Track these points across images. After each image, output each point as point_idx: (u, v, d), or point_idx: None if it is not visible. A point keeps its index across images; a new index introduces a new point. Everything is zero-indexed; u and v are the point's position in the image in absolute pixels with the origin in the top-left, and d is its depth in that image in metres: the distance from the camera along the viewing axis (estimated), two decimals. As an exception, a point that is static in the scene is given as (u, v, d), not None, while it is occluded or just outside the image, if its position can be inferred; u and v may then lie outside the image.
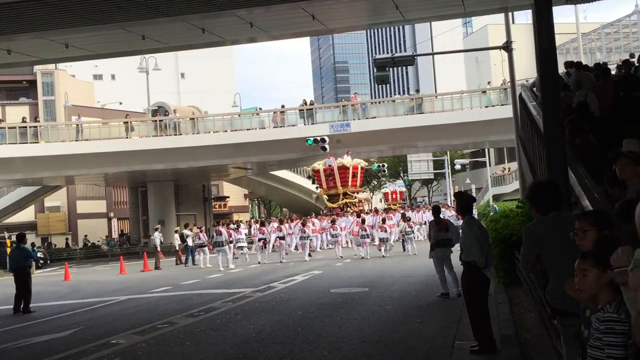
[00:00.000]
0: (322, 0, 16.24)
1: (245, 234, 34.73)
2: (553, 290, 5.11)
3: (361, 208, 42.16)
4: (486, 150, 62.73)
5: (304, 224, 29.71)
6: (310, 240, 30.12)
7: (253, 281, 19.48)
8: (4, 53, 18.49)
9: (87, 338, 11.07)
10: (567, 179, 7.30)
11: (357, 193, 43.90)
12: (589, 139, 7.74)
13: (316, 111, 42.06)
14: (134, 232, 53.45)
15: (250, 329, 10.93)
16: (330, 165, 40.85)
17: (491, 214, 28.64)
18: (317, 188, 43.93)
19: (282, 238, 28.52)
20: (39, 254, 40.34)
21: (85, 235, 56.53)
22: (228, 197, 70.70)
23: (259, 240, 28.70)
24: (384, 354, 8.73)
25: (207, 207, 55.82)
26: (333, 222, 30.86)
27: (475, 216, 10.99)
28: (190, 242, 30.40)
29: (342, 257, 27.07)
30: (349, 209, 40.04)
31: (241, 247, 28.96)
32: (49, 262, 41.08)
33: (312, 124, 40.79)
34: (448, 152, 63.51)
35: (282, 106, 43.87)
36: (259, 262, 26.75)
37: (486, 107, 38.52)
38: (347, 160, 40.96)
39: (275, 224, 31.05)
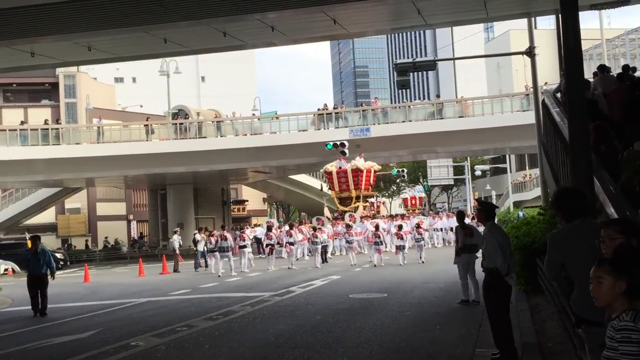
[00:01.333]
0: (344, 4, 16.19)
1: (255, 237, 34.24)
2: (578, 298, 5.03)
3: (373, 212, 41.25)
4: (507, 156, 62.37)
5: (315, 229, 28.72)
6: (326, 246, 29.39)
7: (271, 285, 19.46)
8: (27, 55, 18.66)
9: (107, 340, 11.11)
10: (592, 186, 7.21)
11: (372, 197, 42.91)
12: (614, 145, 7.65)
13: (336, 115, 42.05)
14: (153, 234, 53.72)
15: (269, 333, 10.91)
16: (342, 167, 39.79)
17: (514, 221, 28.28)
18: (329, 189, 42.64)
19: (292, 244, 27.67)
20: (57, 254, 40.81)
21: (106, 237, 56.93)
22: (247, 200, 70.84)
23: (267, 245, 27.71)
24: (403, 360, 8.67)
25: (225, 211, 55.95)
26: (348, 227, 29.96)
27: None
28: (200, 246, 29.89)
29: (354, 264, 25.96)
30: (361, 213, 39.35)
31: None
32: (68, 263, 41.36)
33: (335, 128, 40.82)
34: (468, 157, 63.21)
35: (325, 105, 44.43)
36: (268, 269, 25.74)
37: (523, 111, 37.33)
38: (360, 162, 39.98)
39: (286, 229, 29.76)
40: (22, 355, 10.54)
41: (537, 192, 40.17)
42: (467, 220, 31.13)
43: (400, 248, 25.60)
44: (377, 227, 27.76)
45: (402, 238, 26.02)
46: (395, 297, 15.07)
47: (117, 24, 15.85)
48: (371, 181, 41.73)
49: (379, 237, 26.22)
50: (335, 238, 33.07)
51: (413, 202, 61.83)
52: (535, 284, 11.96)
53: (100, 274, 31.81)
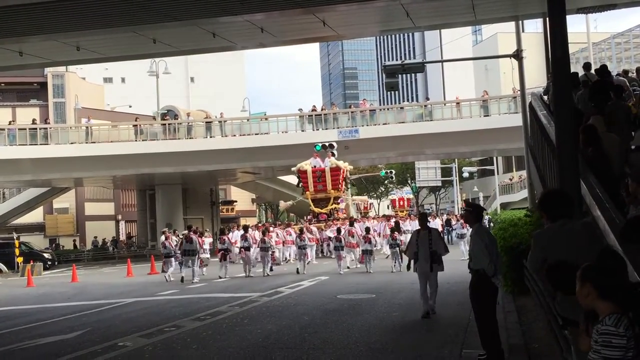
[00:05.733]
0: (333, 6, 16.24)
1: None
2: (562, 300, 5.07)
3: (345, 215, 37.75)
4: (494, 158, 62.64)
5: (264, 233, 25.15)
6: (273, 252, 25.78)
7: (260, 286, 19.48)
8: (15, 55, 18.58)
9: (94, 340, 11.09)
10: (579, 189, 7.28)
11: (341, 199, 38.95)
12: (601, 148, 7.73)
13: (325, 117, 42.06)
14: (142, 234, 53.55)
15: (257, 333, 10.93)
16: (318, 166, 36.67)
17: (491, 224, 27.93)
18: (302, 193, 38.92)
19: (248, 249, 24.42)
20: (45, 254, 40.69)
21: (95, 237, 56.73)
22: (235, 201, 70.73)
23: (219, 251, 24.63)
24: (391, 361, 8.71)
25: (214, 211, 55.89)
26: (301, 231, 26.55)
27: (487, 224, 10.91)
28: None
29: (304, 273, 23.31)
30: (337, 214, 36.81)
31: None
32: (56, 263, 41.18)
33: (324, 129, 40.78)
34: (456, 159, 63.46)
35: (314, 107, 44.09)
36: (220, 277, 23.33)
37: (515, 112, 36.49)
38: (334, 160, 37.16)
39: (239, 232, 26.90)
40: (8, 355, 10.49)
41: (524, 194, 40.33)
42: (436, 222, 30.18)
43: (366, 253, 23.29)
44: (338, 230, 25.30)
45: (370, 242, 23.53)
46: (383, 298, 15.13)
47: (105, 24, 15.81)
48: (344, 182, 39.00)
49: (340, 242, 24.11)
50: (318, 242, 30.10)
51: (401, 203, 62.02)
52: (521, 285, 12.01)
53: (89, 274, 31.68)
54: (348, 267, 24.44)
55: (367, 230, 24.90)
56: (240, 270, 24.61)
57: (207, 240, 26.36)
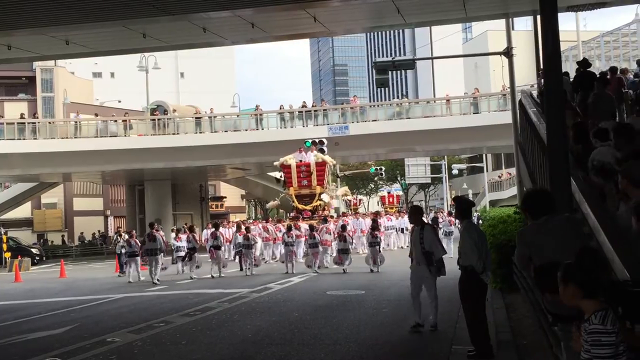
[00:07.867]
0: (324, 2, 16.22)
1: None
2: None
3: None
4: (484, 155, 62.81)
5: (247, 230, 23.94)
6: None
7: (249, 282, 19.48)
8: (3, 48, 18.42)
9: (83, 336, 11.04)
10: (569, 186, 7.31)
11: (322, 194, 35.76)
12: (591, 145, 7.76)
13: (315, 113, 41.99)
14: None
15: (246, 329, 10.91)
16: (302, 161, 34.63)
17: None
18: (283, 187, 36.63)
19: (218, 247, 22.84)
20: (33, 249, 40.52)
21: (82, 233, 56.48)
22: (225, 197, 70.60)
23: (188, 250, 23.49)
24: (380, 357, 8.73)
25: (204, 207, 55.78)
26: (289, 228, 24.67)
27: (476, 220, 10.84)
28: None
29: (293, 272, 22.08)
30: (323, 212, 34.37)
31: (179, 257, 24.60)
32: (44, 258, 40.99)
33: (314, 125, 40.71)
34: (446, 156, 63.58)
35: (304, 103, 43.67)
36: (191, 278, 22.08)
37: (505, 110, 36.03)
38: (320, 154, 35.06)
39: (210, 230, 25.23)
40: (-4, 350, 10.45)
41: (513, 191, 40.52)
42: (441, 219, 29.88)
43: (343, 252, 21.96)
44: (311, 227, 23.95)
45: (345, 240, 22.21)
46: (373, 294, 15.16)
47: (94, 17, 15.69)
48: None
49: (314, 239, 22.71)
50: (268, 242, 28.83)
51: (390, 200, 62.05)
52: (510, 282, 12.06)
53: (77, 270, 31.56)
54: (319, 267, 22.78)
55: (344, 227, 23.58)
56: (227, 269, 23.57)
57: (184, 237, 24.90)
